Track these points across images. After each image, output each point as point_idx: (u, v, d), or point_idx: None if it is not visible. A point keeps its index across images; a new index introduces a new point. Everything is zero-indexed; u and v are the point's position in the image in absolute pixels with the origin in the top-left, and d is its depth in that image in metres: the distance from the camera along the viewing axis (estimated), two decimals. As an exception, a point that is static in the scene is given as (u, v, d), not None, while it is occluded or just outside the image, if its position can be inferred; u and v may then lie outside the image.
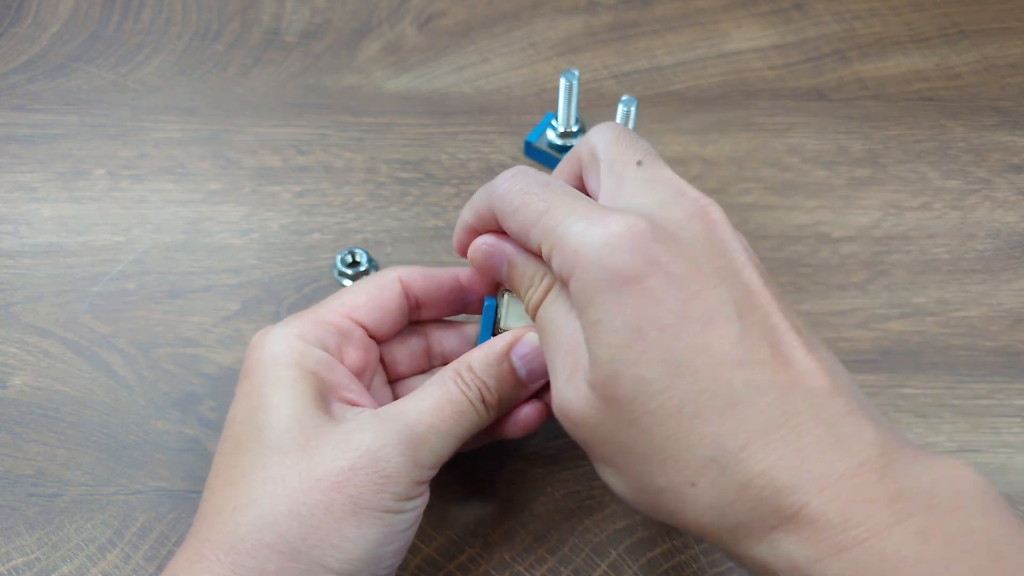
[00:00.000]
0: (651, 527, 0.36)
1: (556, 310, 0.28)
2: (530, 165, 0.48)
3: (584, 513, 0.37)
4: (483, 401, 0.30)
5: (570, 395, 0.27)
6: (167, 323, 0.42)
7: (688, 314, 0.25)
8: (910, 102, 0.51)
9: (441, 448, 0.29)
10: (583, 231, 0.26)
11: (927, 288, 0.43)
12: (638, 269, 0.25)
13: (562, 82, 0.44)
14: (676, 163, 0.47)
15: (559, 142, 0.47)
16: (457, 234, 0.33)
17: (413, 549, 0.36)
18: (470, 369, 0.30)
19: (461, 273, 0.34)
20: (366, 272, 0.43)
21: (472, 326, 0.36)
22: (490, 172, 0.47)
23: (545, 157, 0.48)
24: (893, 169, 0.48)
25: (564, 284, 0.27)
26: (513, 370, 0.31)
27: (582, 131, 0.47)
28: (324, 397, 0.30)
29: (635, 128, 0.45)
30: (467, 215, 0.32)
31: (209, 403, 0.40)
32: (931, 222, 0.45)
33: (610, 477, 0.28)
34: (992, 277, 0.43)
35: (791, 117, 0.50)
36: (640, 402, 0.25)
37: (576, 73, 0.44)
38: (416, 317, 0.35)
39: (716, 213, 0.27)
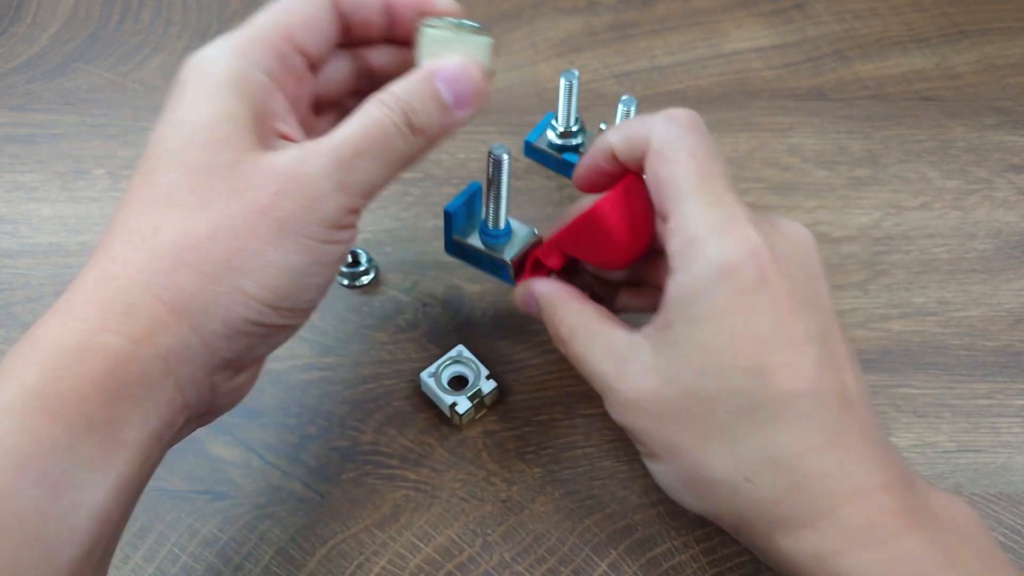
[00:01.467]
0: (651, 527, 0.36)
1: (602, 326, 0.32)
2: (530, 165, 0.48)
3: (584, 513, 0.37)
4: (409, 125, 0.29)
5: (633, 390, 0.30)
6: (167, 323, 0.42)
7: (781, 333, 0.28)
8: (910, 102, 0.51)
9: (370, 174, 0.28)
10: (719, 238, 0.29)
11: (927, 288, 0.43)
12: (754, 285, 0.28)
13: (562, 82, 0.44)
14: (676, 163, 0.47)
15: (559, 142, 0.47)
16: (588, 164, 0.34)
17: (412, 548, 0.36)
18: (393, 93, 0.29)
19: None
20: (366, 272, 0.43)
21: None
22: (490, 172, 0.47)
23: (545, 157, 0.47)
24: (893, 169, 0.48)
25: (671, 267, 0.30)
26: (438, 93, 0.29)
27: (582, 131, 0.47)
28: (260, 124, 0.28)
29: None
30: (615, 140, 0.32)
31: (209, 403, 0.39)
32: (931, 222, 0.45)
33: (659, 467, 0.31)
34: (992, 277, 0.43)
35: (791, 117, 0.50)
36: (719, 400, 0.28)
37: (576, 73, 0.44)
38: (340, 41, 0.33)
39: (814, 246, 0.31)
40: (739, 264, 0.28)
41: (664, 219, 0.30)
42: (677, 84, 0.52)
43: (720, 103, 0.51)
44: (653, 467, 0.31)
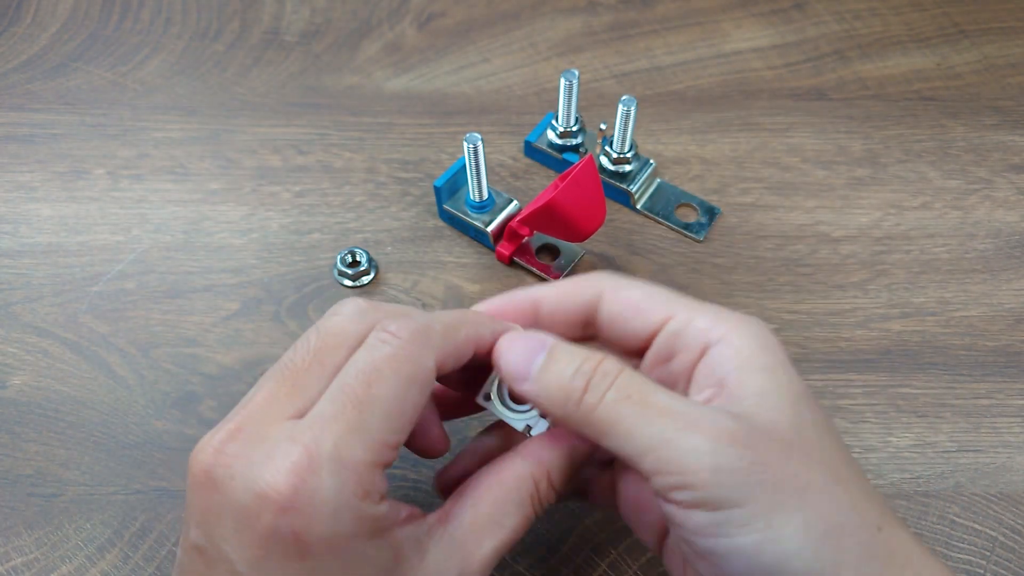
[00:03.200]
0: (651, 527, 0.36)
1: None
2: (530, 164, 0.48)
3: (584, 513, 0.37)
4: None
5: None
6: (167, 323, 0.42)
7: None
8: (910, 102, 0.51)
9: None
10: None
11: (927, 288, 0.43)
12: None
13: (562, 82, 0.44)
14: (676, 163, 0.47)
15: (559, 142, 0.47)
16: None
17: (413, 549, 0.36)
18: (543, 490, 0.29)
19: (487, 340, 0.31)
20: (366, 272, 0.43)
21: None
22: (491, 172, 0.47)
23: (545, 157, 0.47)
24: (893, 169, 0.48)
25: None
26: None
27: (582, 131, 0.47)
28: (393, 546, 0.27)
29: (635, 128, 0.45)
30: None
31: (209, 403, 0.39)
32: (931, 222, 0.45)
33: None
34: (992, 277, 0.43)
35: (791, 117, 0.50)
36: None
37: (576, 73, 0.44)
38: None
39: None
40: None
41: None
42: (677, 84, 0.52)
43: (720, 103, 0.51)
44: None
